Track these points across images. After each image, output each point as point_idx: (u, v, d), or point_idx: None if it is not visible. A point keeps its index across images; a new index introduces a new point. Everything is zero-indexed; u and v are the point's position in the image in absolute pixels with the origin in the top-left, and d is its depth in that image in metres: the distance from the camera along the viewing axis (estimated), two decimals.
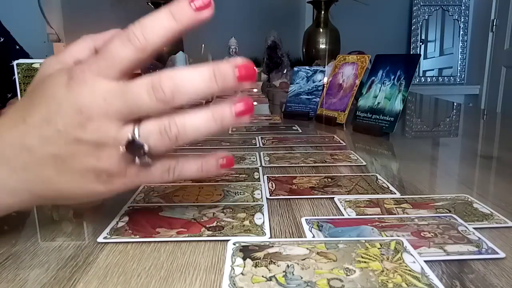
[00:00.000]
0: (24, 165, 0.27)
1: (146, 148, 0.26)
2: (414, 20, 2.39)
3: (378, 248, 0.27)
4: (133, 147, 0.26)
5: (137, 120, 0.26)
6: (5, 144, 0.27)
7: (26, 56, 0.81)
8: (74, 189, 0.28)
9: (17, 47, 0.80)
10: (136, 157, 0.27)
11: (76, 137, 0.26)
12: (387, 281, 0.24)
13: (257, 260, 0.26)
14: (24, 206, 0.30)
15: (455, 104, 1.26)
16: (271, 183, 0.43)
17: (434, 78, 2.45)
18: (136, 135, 0.26)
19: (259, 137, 0.68)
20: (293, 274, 0.24)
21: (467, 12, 2.39)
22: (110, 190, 0.28)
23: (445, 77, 2.45)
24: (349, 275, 0.24)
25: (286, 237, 0.31)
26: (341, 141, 0.65)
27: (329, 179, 0.45)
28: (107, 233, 0.31)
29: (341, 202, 0.38)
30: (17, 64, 0.48)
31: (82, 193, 0.28)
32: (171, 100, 0.25)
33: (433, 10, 2.39)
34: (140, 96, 0.25)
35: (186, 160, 0.29)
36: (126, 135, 0.26)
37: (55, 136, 0.26)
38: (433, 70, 2.47)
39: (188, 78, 0.26)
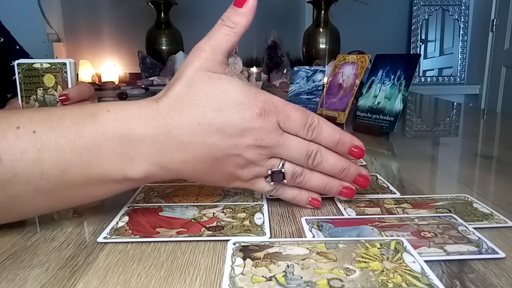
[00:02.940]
0: (184, 159, 0.31)
1: (285, 180, 0.34)
2: (414, 20, 2.39)
3: (378, 248, 0.27)
4: (275, 174, 0.33)
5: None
6: (179, 134, 0.31)
7: (27, 56, 0.81)
8: (209, 180, 0.34)
9: (17, 47, 0.79)
10: (272, 181, 0.34)
11: (239, 153, 0.31)
12: (387, 281, 0.24)
13: (257, 260, 0.26)
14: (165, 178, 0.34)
15: (455, 104, 1.26)
16: None
17: (434, 78, 2.45)
18: (282, 168, 0.33)
19: None
20: (293, 274, 0.24)
21: (467, 12, 2.38)
22: (230, 186, 0.35)
23: (445, 77, 2.45)
24: (349, 275, 0.24)
25: (286, 237, 0.31)
26: None
27: None
28: (107, 233, 0.31)
29: (341, 202, 0.38)
30: (18, 64, 0.48)
31: (210, 183, 0.35)
32: (313, 166, 0.34)
33: (433, 10, 2.39)
34: (297, 154, 0.33)
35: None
36: (276, 164, 0.33)
37: (224, 146, 0.31)
38: (433, 70, 2.47)
39: (332, 163, 0.34)
